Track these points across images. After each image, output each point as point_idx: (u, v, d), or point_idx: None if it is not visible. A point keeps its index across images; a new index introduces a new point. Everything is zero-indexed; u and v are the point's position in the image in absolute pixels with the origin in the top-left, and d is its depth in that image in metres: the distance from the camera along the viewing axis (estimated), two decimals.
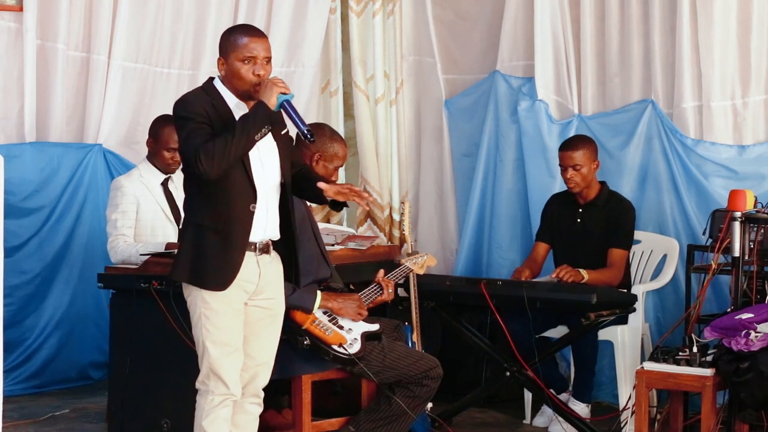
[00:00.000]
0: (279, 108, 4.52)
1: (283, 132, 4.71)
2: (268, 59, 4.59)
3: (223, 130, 4.47)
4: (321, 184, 4.69)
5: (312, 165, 5.42)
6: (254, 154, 4.55)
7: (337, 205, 4.80)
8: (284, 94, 4.50)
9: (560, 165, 6.41)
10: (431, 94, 7.98)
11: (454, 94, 7.92)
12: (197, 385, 4.62)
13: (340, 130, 7.82)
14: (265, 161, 4.61)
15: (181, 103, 4.55)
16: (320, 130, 5.52)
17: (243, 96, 4.57)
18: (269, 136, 4.62)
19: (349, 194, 4.66)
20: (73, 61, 7.23)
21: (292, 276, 4.81)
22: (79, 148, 7.22)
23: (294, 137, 5.05)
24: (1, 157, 4.25)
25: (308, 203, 5.39)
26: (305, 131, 4.51)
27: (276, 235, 4.68)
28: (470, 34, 7.88)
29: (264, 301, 4.67)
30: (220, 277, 4.52)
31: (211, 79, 4.66)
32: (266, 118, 4.45)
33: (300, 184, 4.81)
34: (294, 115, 4.52)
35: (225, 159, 4.39)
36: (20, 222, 7.00)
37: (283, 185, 4.69)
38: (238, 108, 4.59)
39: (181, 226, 4.71)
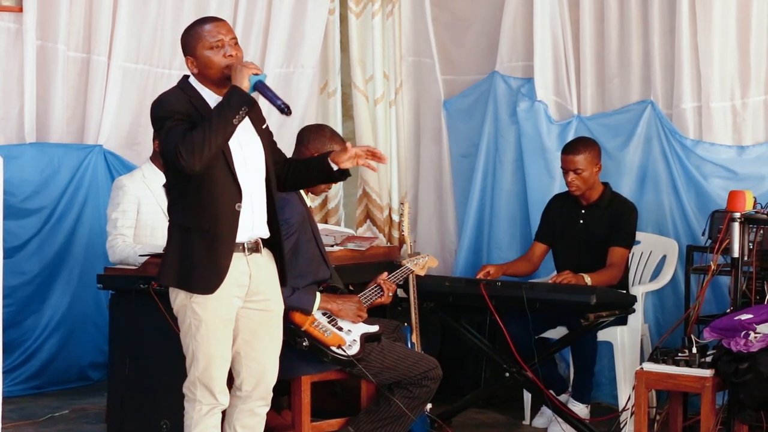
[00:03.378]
0: (253, 90, 4.42)
1: (263, 126, 4.64)
2: (235, 41, 4.53)
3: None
4: (334, 155, 4.63)
5: None
6: (237, 152, 4.48)
7: (343, 174, 4.71)
8: (256, 74, 4.42)
9: (562, 168, 6.42)
10: (430, 94, 7.98)
11: (453, 94, 7.92)
12: (184, 390, 4.59)
13: (339, 130, 7.82)
14: (248, 158, 4.53)
15: (157, 104, 4.48)
16: (320, 131, 5.52)
17: (220, 84, 4.48)
18: (252, 131, 4.57)
19: (365, 157, 4.63)
20: (73, 62, 7.23)
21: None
22: (80, 149, 7.22)
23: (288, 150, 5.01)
24: (1, 157, 4.25)
25: (308, 204, 5.40)
26: (281, 106, 4.43)
27: (265, 233, 4.60)
28: (469, 35, 7.88)
29: (262, 302, 4.61)
30: (207, 280, 4.45)
31: (186, 77, 4.58)
32: (242, 100, 4.35)
33: (299, 172, 4.75)
34: (269, 94, 4.44)
35: (206, 148, 4.30)
36: (20, 223, 7.00)
37: (268, 181, 4.60)
38: None
39: (166, 230, 4.63)
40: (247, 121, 4.53)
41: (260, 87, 4.44)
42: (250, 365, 4.62)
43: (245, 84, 4.38)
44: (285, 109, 4.44)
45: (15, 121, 7.07)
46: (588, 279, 6.14)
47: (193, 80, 4.55)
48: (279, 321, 4.71)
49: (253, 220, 4.54)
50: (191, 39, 4.52)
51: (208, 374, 4.51)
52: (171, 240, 4.54)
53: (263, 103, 4.63)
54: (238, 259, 4.51)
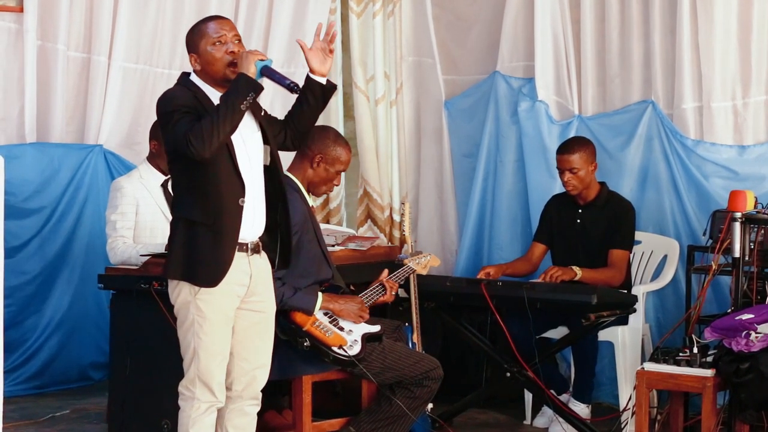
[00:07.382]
0: (260, 75, 4.47)
1: (262, 113, 4.68)
2: (239, 38, 4.57)
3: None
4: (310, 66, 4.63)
5: (313, 167, 5.41)
6: (240, 148, 4.53)
7: (329, 86, 4.69)
8: (262, 60, 4.46)
9: (557, 168, 6.43)
10: (431, 94, 7.98)
11: (454, 94, 7.92)
12: (180, 389, 4.61)
13: (341, 130, 7.82)
14: (251, 154, 4.59)
15: (163, 99, 4.51)
16: (324, 132, 5.50)
17: (222, 82, 4.53)
18: (252, 123, 4.60)
19: (323, 46, 4.64)
20: (73, 62, 7.24)
21: (275, 259, 4.73)
22: (80, 149, 7.23)
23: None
24: (1, 157, 4.25)
25: (310, 204, 5.39)
26: (290, 85, 4.48)
27: (262, 229, 4.63)
28: (470, 35, 7.88)
29: (257, 304, 4.65)
30: (211, 273, 4.48)
31: (186, 74, 4.62)
32: (249, 86, 4.40)
33: (298, 111, 4.74)
34: (276, 77, 4.49)
35: (215, 135, 4.34)
36: (21, 223, 7.00)
37: (275, 169, 4.65)
38: None
39: (170, 224, 4.68)
40: (248, 116, 4.57)
41: (267, 71, 4.49)
42: (242, 365, 4.65)
43: (252, 70, 4.44)
44: (295, 88, 4.50)
45: (15, 121, 7.08)
46: (578, 270, 6.15)
47: (194, 77, 4.59)
48: (271, 323, 4.75)
49: (254, 216, 4.59)
50: (195, 36, 4.58)
51: (208, 371, 4.53)
52: (175, 235, 4.57)
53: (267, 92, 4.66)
54: (241, 259, 4.55)
